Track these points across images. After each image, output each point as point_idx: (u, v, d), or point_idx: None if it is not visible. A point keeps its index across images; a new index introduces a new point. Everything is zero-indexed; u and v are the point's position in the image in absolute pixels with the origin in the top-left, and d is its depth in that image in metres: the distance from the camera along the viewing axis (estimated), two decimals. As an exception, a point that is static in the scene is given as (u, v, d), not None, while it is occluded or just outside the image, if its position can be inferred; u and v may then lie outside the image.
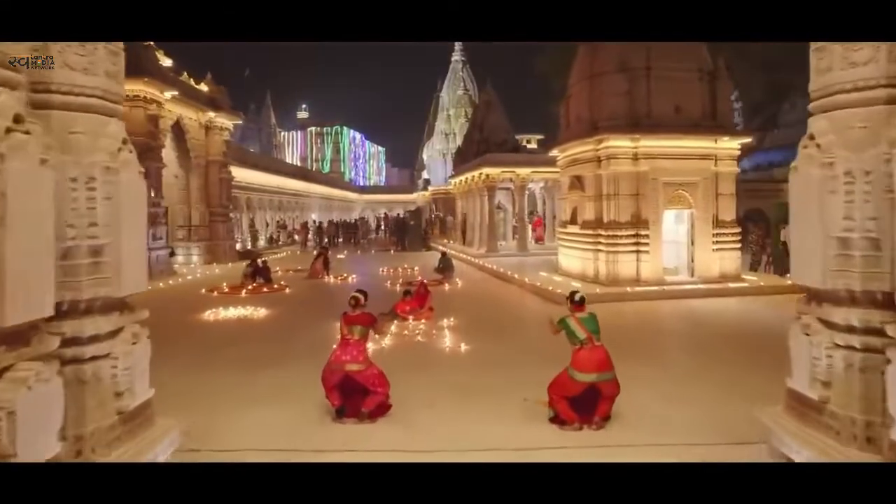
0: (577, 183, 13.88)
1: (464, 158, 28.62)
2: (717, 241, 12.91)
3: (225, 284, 14.62)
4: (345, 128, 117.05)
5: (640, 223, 12.60)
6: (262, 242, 30.78)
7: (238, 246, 27.03)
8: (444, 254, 16.47)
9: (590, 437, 4.63)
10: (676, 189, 12.75)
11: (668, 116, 12.77)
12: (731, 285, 12.41)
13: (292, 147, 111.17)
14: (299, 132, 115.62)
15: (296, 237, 33.50)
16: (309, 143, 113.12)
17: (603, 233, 12.83)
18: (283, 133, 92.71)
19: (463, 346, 7.87)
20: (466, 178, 25.83)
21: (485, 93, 28.14)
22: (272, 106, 72.20)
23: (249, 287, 14.21)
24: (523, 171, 21.84)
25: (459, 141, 35.96)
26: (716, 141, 12.88)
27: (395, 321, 9.56)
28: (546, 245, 23.76)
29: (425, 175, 48.45)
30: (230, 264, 20.35)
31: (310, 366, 5.85)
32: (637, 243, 12.55)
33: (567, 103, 14.95)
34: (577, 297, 5.05)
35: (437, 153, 43.33)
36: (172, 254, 18.80)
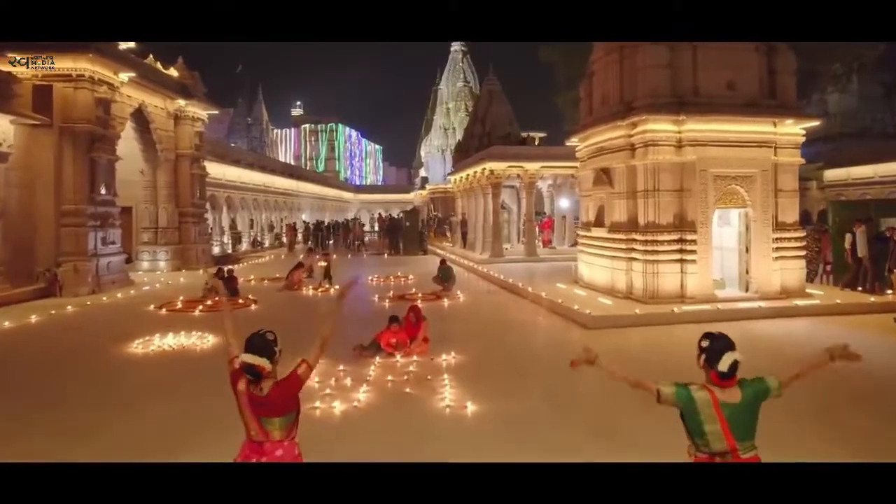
0: (604, 177, 11.47)
1: (464, 154, 26.21)
2: (778, 248, 10.52)
3: (181, 298, 12.21)
4: (340, 125, 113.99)
5: (686, 226, 10.22)
6: (244, 245, 28.38)
7: (216, 249, 24.68)
8: (443, 261, 14.06)
9: None
10: (729, 184, 10.36)
11: (720, 94, 10.39)
12: (799, 303, 10.01)
13: (286, 145, 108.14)
14: (293, 129, 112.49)
15: (283, 239, 31.08)
16: (303, 140, 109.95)
17: (638, 237, 10.44)
18: (275, 130, 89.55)
19: (469, 407, 5.45)
20: (468, 175, 23.41)
21: (488, 81, 25.68)
22: (264, 102, 69.41)
23: (208, 303, 11.78)
24: (532, 166, 19.40)
25: (459, 136, 33.53)
26: (775, 124, 10.50)
27: (378, 359, 7.16)
28: (558, 249, 21.38)
29: (423, 173, 45.88)
30: (202, 271, 17.89)
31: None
32: (682, 250, 10.17)
33: (589, 82, 12.56)
34: (725, 363, 2.45)
35: (435, 150, 40.75)
36: (129, 260, 16.41)
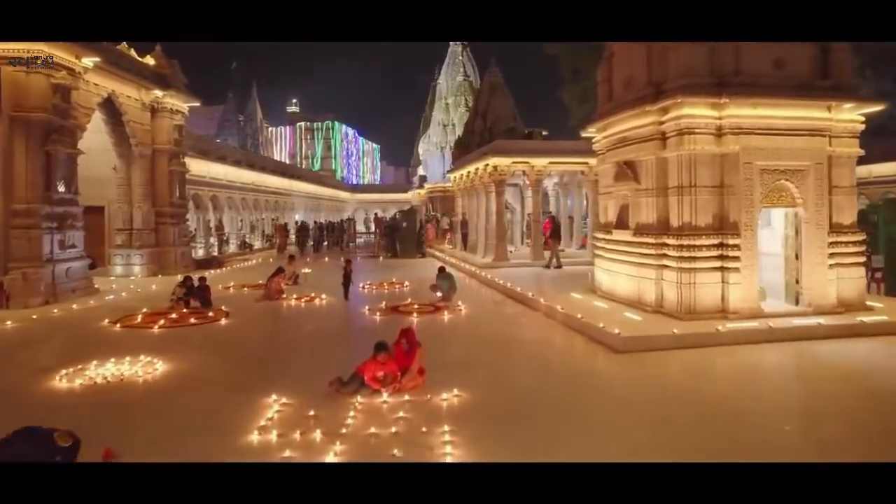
0: (628, 171, 9.95)
1: (464, 150, 24.70)
2: (834, 255, 9.02)
3: (143, 310, 10.69)
4: (337, 123, 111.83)
5: (727, 227, 8.71)
6: (232, 247, 26.83)
7: (200, 252, 23.17)
8: (442, 268, 12.54)
9: None
10: (777, 179, 8.85)
11: (766, 74, 8.87)
12: (864, 319, 8.46)
13: (281, 143, 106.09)
14: (288, 127, 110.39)
15: (274, 240, 29.53)
16: (298, 138, 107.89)
17: (671, 242, 8.93)
18: (270, 129, 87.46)
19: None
20: (469, 172, 21.87)
21: (489, 74, 24.21)
22: (258, 99, 67.40)
23: (172, 316, 10.27)
24: (539, 162, 17.84)
25: (459, 133, 31.98)
26: (830, 109, 9.00)
27: (360, 398, 5.63)
28: (567, 252, 19.81)
29: (421, 171, 44.29)
30: (180, 276, 16.32)
31: None
32: (722, 257, 8.66)
33: (608, 64, 11.04)
34: None
35: (434, 147, 39.16)
36: (94, 266, 14.86)
